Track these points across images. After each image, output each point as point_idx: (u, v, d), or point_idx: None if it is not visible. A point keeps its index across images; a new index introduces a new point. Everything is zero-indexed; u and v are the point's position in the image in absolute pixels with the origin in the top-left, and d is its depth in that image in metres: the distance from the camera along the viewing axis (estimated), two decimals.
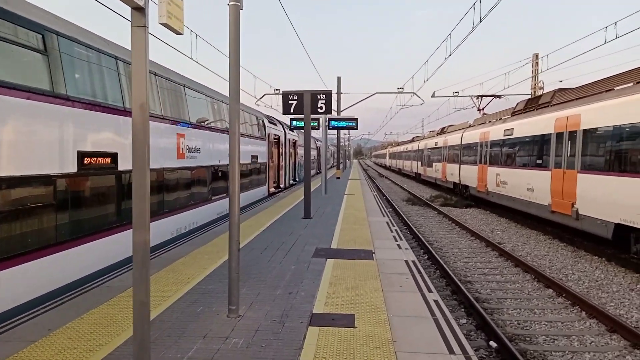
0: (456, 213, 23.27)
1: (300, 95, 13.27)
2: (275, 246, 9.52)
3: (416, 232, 16.73)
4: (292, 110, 13.32)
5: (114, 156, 8.17)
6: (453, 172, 30.63)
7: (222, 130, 15.25)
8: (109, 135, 8.06)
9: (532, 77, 38.70)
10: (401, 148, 66.93)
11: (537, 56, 39.15)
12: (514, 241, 16.04)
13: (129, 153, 8.71)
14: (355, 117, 20.72)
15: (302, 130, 16.45)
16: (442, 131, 37.76)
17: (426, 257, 13.43)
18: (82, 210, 7.34)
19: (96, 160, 7.60)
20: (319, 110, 13.21)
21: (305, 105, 13.22)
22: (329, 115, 21.47)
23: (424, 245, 14.33)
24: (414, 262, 8.31)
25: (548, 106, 17.03)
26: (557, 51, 24.64)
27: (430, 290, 6.52)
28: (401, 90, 35.69)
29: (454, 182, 30.60)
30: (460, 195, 28.90)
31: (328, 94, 13.22)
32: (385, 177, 60.60)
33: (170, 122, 11.02)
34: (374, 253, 8.96)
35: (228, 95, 5.30)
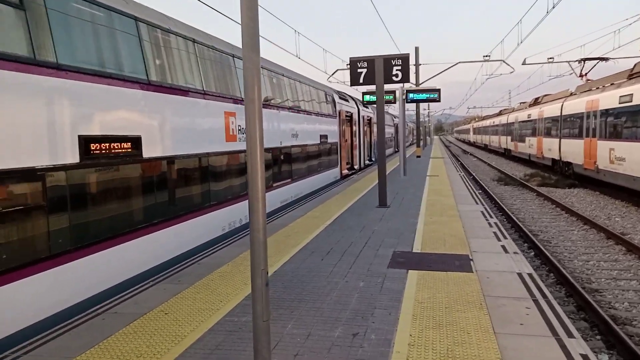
0: (558, 194, 20.04)
1: (371, 61, 11.07)
2: (342, 248, 7.55)
3: (515, 219, 14.07)
4: (361, 80, 11.17)
5: (135, 141, 6.55)
6: (551, 148, 26.94)
7: (284, 108, 13.43)
8: (127, 115, 6.43)
9: None
10: (487, 122, 62.17)
11: None
12: None
13: (156, 136, 7.07)
14: (438, 87, 18.10)
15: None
16: (536, 102, 33.67)
17: (532, 253, 10.88)
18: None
19: (109, 146, 5.99)
20: (394, 78, 10.95)
21: (377, 72, 11.01)
22: (406, 87, 19.03)
23: (528, 239, 11.74)
24: (530, 275, 5.98)
25: None
26: None
27: (570, 335, 4.24)
28: (488, 58, 32.10)
29: (553, 159, 26.93)
30: (561, 173, 25.29)
31: (405, 58, 10.91)
32: (470, 154, 56.55)
33: (217, 98, 9.32)
34: (471, 260, 6.71)
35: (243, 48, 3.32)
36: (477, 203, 12.29)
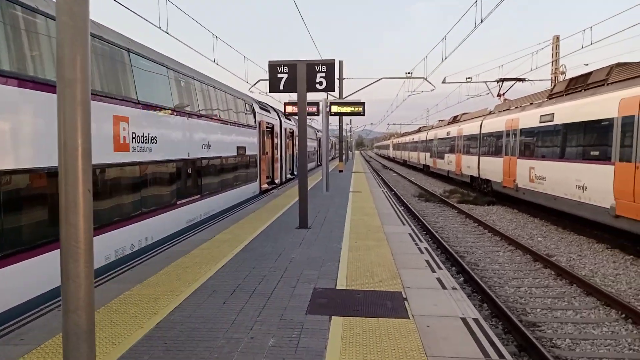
0: (479, 212, 19.91)
1: (292, 66, 9.86)
2: (251, 285, 6.17)
3: (446, 246, 13.38)
4: (281, 87, 9.92)
5: None
6: (470, 165, 27.20)
7: (194, 115, 11.87)
8: None
9: (552, 61, 35.26)
10: (407, 138, 63.35)
11: (557, 38, 35.71)
12: (565, 252, 12.70)
13: None
14: (362, 100, 17.30)
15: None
16: (455, 120, 34.26)
17: (462, 279, 10.08)
18: None
19: None
20: (317, 86, 9.81)
21: (299, 79, 9.82)
22: (330, 99, 18.08)
23: (460, 266, 10.97)
24: (476, 321, 4.96)
25: (604, 85, 13.59)
26: (576, 34, 21.13)
27: None
28: (410, 75, 32.23)
29: (472, 176, 27.19)
30: (480, 190, 25.50)
31: (330, 64, 9.81)
32: (390, 169, 57.13)
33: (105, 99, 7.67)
34: (406, 299, 5.61)
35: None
36: (403, 224, 11.39)
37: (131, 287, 6.00)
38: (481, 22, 13.18)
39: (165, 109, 10.02)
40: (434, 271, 6.95)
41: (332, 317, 5.01)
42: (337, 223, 11.17)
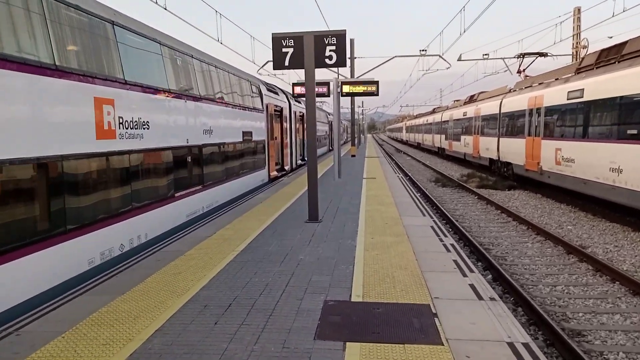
0: (500, 197, 18.78)
1: (299, 38, 8.78)
2: (250, 297, 5.22)
3: (476, 244, 12.34)
4: (287, 63, 8.86)
5: None
6: (489, 147, 25.95)
7: (193, 97, 10.88)
8: None
9: (573, 34, 33.56)
10: (420, 120, 61.83)
11: (578, 10, 33.98)
12: (599, 242, 11.60)
13: None
14: (376, 79, 16.16)
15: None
16: (472, 99, 32.85)
17: (490, 276, 9.06)
18: None
19: None
20: (327, 61, 8.73)
21: (307, 53, 8.74)
22: (341, 79, 16.95)
23: (493, 266, 9.92)
24: (526, 346, 3.96)
25: None
26: (599, 5, 19.57)
27: None
28: (424, 52, 30.85)
29: (490, 159, 25.96)
30: (499, 174, 24.30)
31: (340, 36, 8.71)
32: (404, 153, 55.84)
33: (82, 79, 6.70)
34: (435, 316, 4.62)
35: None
36: (423, 215, 10.36)
37: (110, 301, 5.08)
38: None
39: (158, 90, 9.03)
40: (465, 275, 5.94)
41: (347, 343, 4.04)
42: (350, 214, 10.18)
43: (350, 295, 5.19)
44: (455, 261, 6.58)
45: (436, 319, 4.54)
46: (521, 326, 4.43)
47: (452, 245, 7.54)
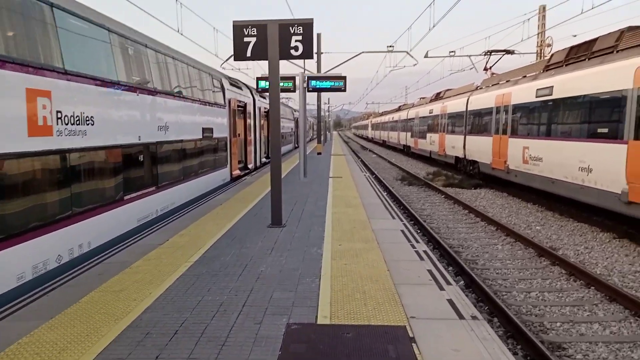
0: (467, 196, 18.56)
1: (262, 27, 8.08)
2: (201, 322, 4.53)
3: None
4: (249, 53, 8.16)
5: None
6: (455, 145, 25.81)
7: (146, 91, 10.04)
8: None
9: (538, 32, 33.90)
10: (386, 118, 61.78)
11: (543, 8, 34.37)
12: (569, 243, 11.39)
13: None
14: (343, 75, 15.59)
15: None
16: (438, 97, 32.76)
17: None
18: None
19: None
20: (292, 52, 8.07)
21: (270, 42, 8.06)
22: (307, 74, 16.31)
23: (475, 283, 9.48)
24: None
25: (613, 52, 12.14)
26: (564, 3, 19.62)
27: None
28: (392, 48, 30.51)
29: (457, 157, 25.83)
30: (465, 172, 24.18)
31: (307, 25, 8.06)
32: (370, 150, 55.67)
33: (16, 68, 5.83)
34: (413, 341, 4.05)
35: None
36: (392, 217, 9.85)
37: (34, 328, 4.31)
38: None
39: (105, 82, 8.17)
40: (442, 289, 5.41)
41: None
42: (316, 218, 9.57)
43: (317, 316, 4.57)
44: (430, 271, 6.06)
45: (414, 345, 3.98)
46: (509, 352, 3.91)
47: (425, 252, 7.03)
